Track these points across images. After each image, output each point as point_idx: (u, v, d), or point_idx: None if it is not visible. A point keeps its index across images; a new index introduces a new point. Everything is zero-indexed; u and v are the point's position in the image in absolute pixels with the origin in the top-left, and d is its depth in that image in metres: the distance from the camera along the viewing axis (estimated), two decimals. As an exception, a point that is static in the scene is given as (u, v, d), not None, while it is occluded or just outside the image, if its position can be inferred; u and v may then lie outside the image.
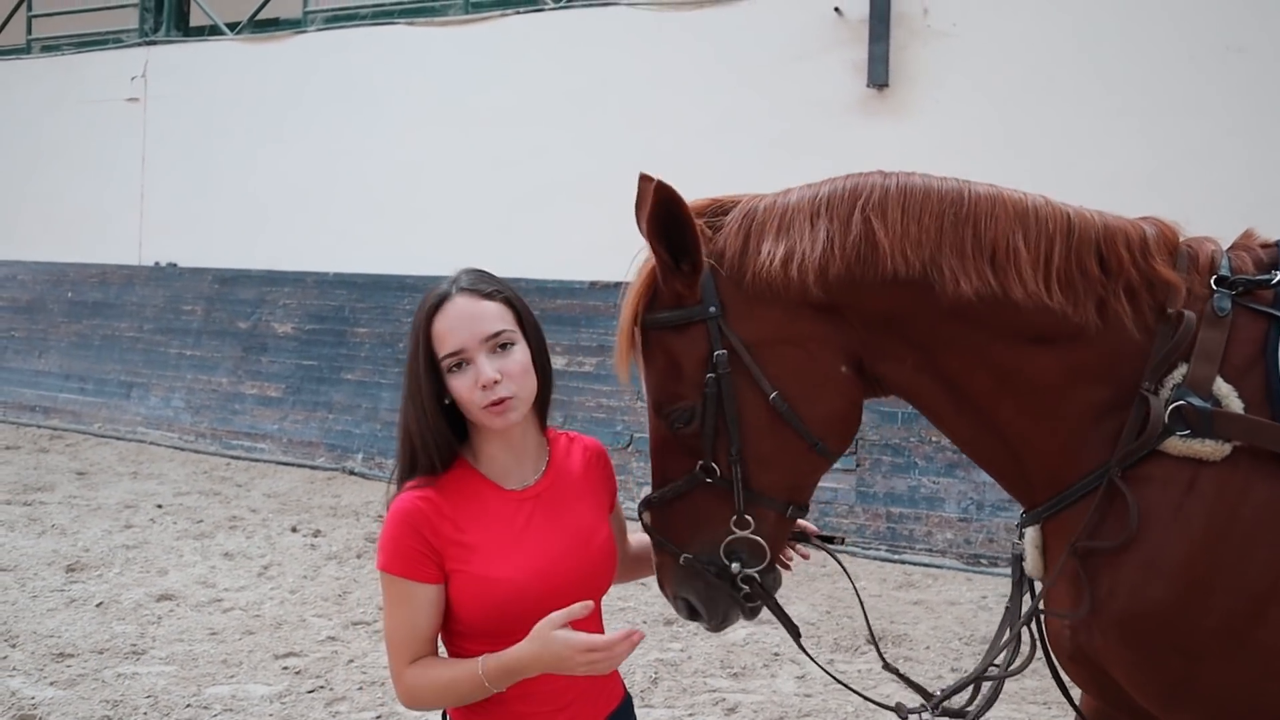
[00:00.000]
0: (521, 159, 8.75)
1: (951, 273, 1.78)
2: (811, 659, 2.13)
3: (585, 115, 8.59)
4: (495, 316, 1.78)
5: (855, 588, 2.35)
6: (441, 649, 1.86)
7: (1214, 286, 1.78)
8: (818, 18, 7.71)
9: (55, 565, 5.90)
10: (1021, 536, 1.93)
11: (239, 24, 10.69)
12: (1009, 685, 4.41)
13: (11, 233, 11.88)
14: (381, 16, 9.92)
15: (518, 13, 9.12)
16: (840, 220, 1.82)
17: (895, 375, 1.92)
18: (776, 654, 4.80)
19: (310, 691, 4.34)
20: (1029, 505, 1.93)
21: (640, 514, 1.97)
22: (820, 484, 6.80)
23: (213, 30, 11.00)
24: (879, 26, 7.37)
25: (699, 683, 4.51)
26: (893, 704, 2.03)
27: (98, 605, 5.29)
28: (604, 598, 1.95)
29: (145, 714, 4.10)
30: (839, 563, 2.23)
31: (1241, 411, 1.69)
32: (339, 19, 10.23)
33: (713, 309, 1.84)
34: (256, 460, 9.08)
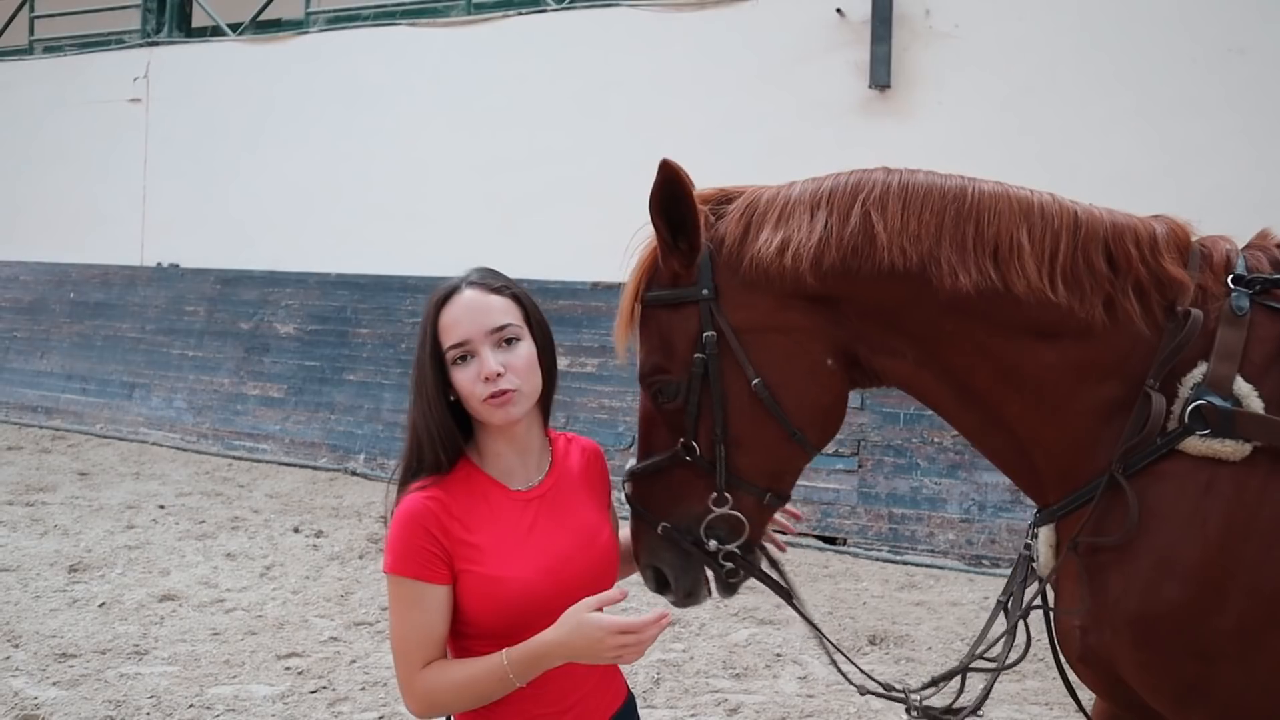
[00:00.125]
0: (523, 160, 8.76)
1: (949, 267, 1.79)
2: (805, 617, 2.10)
3: (587, 116, 8.59)
4: (502, 310, 1.80)
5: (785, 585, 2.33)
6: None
7: (1231, 285, 1.78)
8: (819, 19, 7.72)
9: (58, 566, 5.91)
10: (1035, 536, 1.93)
11: (241, 25, 10.71)
12: (1011, 686, 4.42)
13: (13, 233, 11.90)
14: (383, 17, 9.93)
15: (520, 14, 9.13)
16: (840, 213, 1.84)
17: (896, 369, 1.92)
18: (779, 655, 4.80)
19: (313, 692, 4.34)
20: (1042, 503, 1.93)
21: (624, 483, 2.01)
22: (822, 485, 6.79)
23: (215, 31, 11.01)
24: (881, 28, 7.38)
25: (701, 683, 4.51)
26: (889, 697, 2.04)
27: (100, 606, 5.29)
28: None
29: (148, 714, 4.10)
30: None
31: (1262, 411, 1.69)
32: (341, 20, 10.25)
33: (706, 291, 1.88)
34: (259, 461, 9.09)
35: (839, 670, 2.16)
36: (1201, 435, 1.70)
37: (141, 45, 11.20)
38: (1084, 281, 1.79)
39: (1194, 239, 1.87)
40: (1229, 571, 1.67)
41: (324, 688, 4.38)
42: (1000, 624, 2.03)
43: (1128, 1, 6.90)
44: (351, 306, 9.41)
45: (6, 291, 11.76)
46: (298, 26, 10.53)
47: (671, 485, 1.94)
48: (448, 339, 1.78)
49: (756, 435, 1.90)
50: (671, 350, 1.92)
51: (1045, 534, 1.89)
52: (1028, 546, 1.97)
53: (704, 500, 1.92)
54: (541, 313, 1.89)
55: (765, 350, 1.88)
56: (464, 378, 1.77)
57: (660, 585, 2.00)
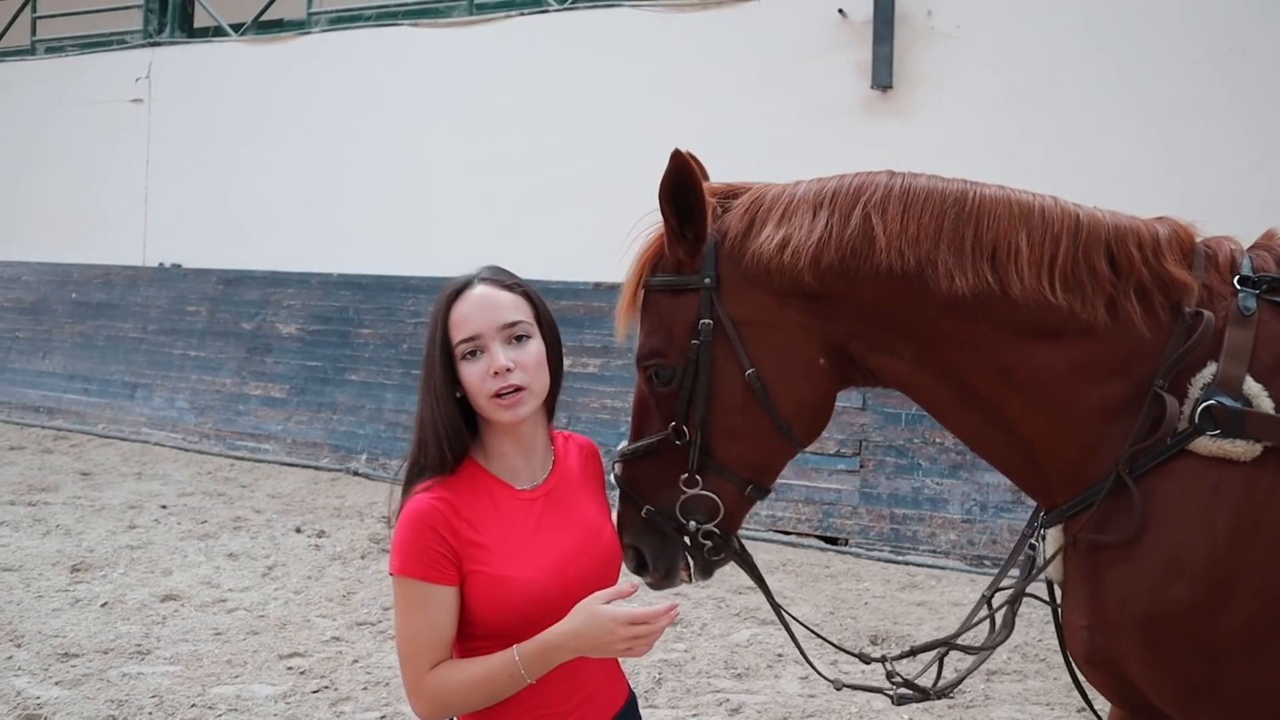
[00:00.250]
0: (525, 160, 8.77)
1: (946, 269, 1.81)
2: (774, 605, 2.14)
3: (589, 116, 8.60)
4: (513, 307, 1.81)
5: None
6: None
7: (1238, 286, 1.78)
8: (821, 19, 7.72)
9: (60, 565, 5.91)
10: (1042, 537, 1.94)
11: (243, 25, 10.72)
12: (1012, 686, 4.43)
13: (15, 233, 11.91)
14: (386, 18, 9.94)
15: (521, 14, 9.14)
16: (841, 214, 1.87)
17: (893, 368, 1.94)
18: (780, 655, 4.80)
19: (315, 691, 4.35)
20: (1047, 504, 1.94)
21: (613, 464, 2.05)
22: (824, 485, 6.80)
23: (217, 31, 11.02)
24: (883, 28, 7.38)
25: (703, 683, 4.51)
26: (883, 689, 2.07)
27: (102, 605, 5.30)
28: None
29: (150, 714, 4.10)
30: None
31: (1272, 411, 1.70)
32: (343, 20, 10.26)
33: (708, 280, 1.92)
34: (261, 461, 9.09)
35: (808, 661, 2.18)
36: (1212, 435, 1.71)
37: (143, 45, 11.21)
38: (1085, 283, 1.79)
39: (1198, 240, 1.87)
40: (1237, 571, 1.68)
41: (326, 687, 4.39)
42: (993, 613, 2.06)
43: (1130, 2, 6.89)
44: (353, 307, 9.42)
45: (9, 291, 11.77)
46: (300, 27, 10.54)
47: (659, 469, 1.99)
48: (458, 333, 1.78)
49: (746, 425, 1.94)
50: (670, 335, 1.96)
51: (1054, 535, 1.90)
52: (1031, 546, 1.98)
53: (684, 486, 1.97)
54: (550, 313, 1.90)
55: (761, 343, 1.92)
56: (473, 373, 1.77)
57: (639, 566, 2.05)
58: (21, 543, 6.36)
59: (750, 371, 1.91)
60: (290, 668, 4.59)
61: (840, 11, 7.62)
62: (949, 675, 2.07)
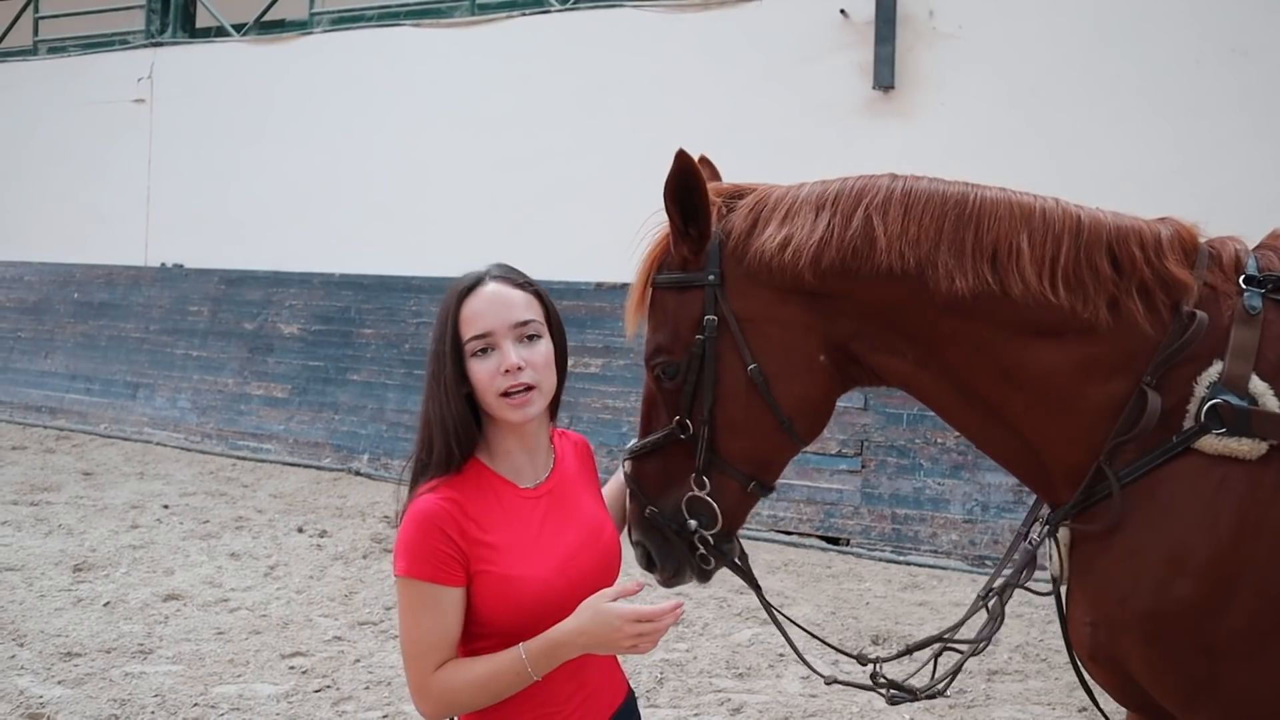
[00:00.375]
0: (527, 160, 8.77)
1: (946, 270, 1.83)
2: (767, 606, 2.15)
3: (591, 117, 8.60)
4: (524, 306, 1.82)
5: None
6: None
7: (1243, 285, 1.79)
8: (823, 20, 7.72)
9: (62, 565, 5.92)
10: (1050, 536, 1.94)
11: (245, 25, 10.73)
12: (1014, 686, 4.43)
13: (18, 233, 11.92)
14: (387, 18, 9.95)
15: (523, 14, 9.14)
16: (843, 215, 1.90)
17: (895, 368, 1.96)
18: (782, 655, 4.81)
19: (317, 691, 4.35)
20: (1052, 501, 1.95)
21: (622, 463, 2.08)
22: (826, 485, 6.80)
23: (219, 31, 11.03)
24: (885, 28, 7.38)
25: (704, 683, 4.52)
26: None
27: (105, 605, 5.30)
28: None
29: (152, 713, 4.11)
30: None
31: (1278, 409, 1.70)
32: (345, 20, 10.26)
33: (712, 277, 1.96)
34: (262, 461, 9.10)
35: (801, 658, 2.21)
36: (1218, 434, 1.71)
37: (145, 46, 11.22)
38: (1087, 283, 1.81)
39: (1202, 240, 1.88)
40: (1240, 570, 1.68)
41: (328, 687, 4.39)
42: (985, 605, 2.09)
43: (1133, 1, 6.89)
44: (355, 307, 9.42)
45: (11, 291, 11.78)
46: (302, 27, 10.55)
47: (663, 465, 2.02)
48: (470, 330, 1.77)
49: (748, 420, 1.96)
50: (676, 331, 1.99)
51: (1062, 533, 1.91)
52: (1030, 541, 1.99)
53: (690, 481, 2.00)
54: (558, 313, 1.91)
55: (763, 339, 1.95)
56: (483, 369, 1.77)
57: (648, 564, 2.09)
58: (24, 542, 6.37)
59: (753, 367, 1.93)
60: (292, 667, 4.60)
61: (842, 12, 7.62)
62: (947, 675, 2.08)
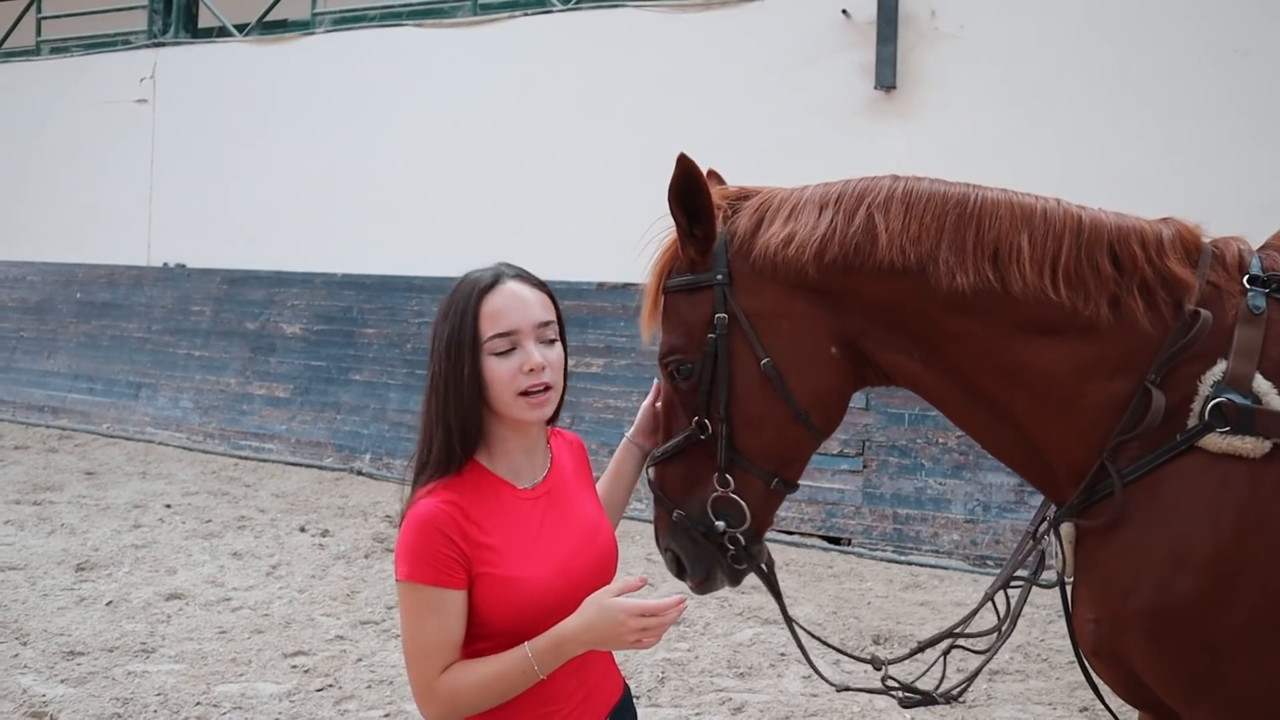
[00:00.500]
0: (529, 160, 8.78)
1: (947, 267, 1.85)
2: (788, 621, 2.17)
3: (593, 117, 8.61)
4: (544, 307, 1.82)
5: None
6: None
7: (1247, 285, 1.80)
8: (825, 20, 7.73)
9: (65, 564, 5.93)
10: (1055, 534, 1.96)
11: (247, 25, 10.74)
12: (1014, 685, 4.43)
13: (20, 233, 11.94)
14: (390, 18, 9.95)
15: (525, 14, 9.15)
16: (845, 213, 1.93)
17: (903, 366, 1.98)
18: (783, 654, 4.81)
19: (319, 690, 4.36)
20: (1057, 499, 1.96)
21: (646, 470, 2.11)
22: (827, 485, 6.79)
23: (221, 32, 11.04)
24: (886, 29, 7.38)
25: (706, 682, 4.52)
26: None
27: (107, 604, 5.32)
28: None
29: (155, 712, 4.12)
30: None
31: None
32: (347, 21, 10.27)
33: (720, 276, 1.99)
34: (264, 460, 9.11)
35: (814, 669, 2.23)
36: (1222, 433, 1.73)
37: (148, 46, 11.23)
38: (1088, 282, 1.83)
39: (1206, 240, 1.90)
40: (1241, 566, 1.70)
41: (330, 686, 4.40)
42: (987, 612, 2.11)
43: (1133, 2, 6.90)
44: (357, 307, 9.43)
45: (13, 291, 11.80)
46: (304, 27, 10.56)
47: (687, 468, 2.04)
48: (493, 327, 1.75)
49: (765, 414, 1.99)
50: (688, 332, 2.02)
51: (1067, 530, 1.92)
52: (1037, 538, 2.00)
53: (713, 481, 2.02)
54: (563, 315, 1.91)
55: (774, 334, 1.98)
56: (504, 368, 1.75)
57: (679, 570, 2.10)
58: (27, 542, 6.38)
59: (765, 361, 1.96)
60: (294, 666, 4.61)
61: (844, 12, 7.63)
62: (953, 675, 2.09)
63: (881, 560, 6.55)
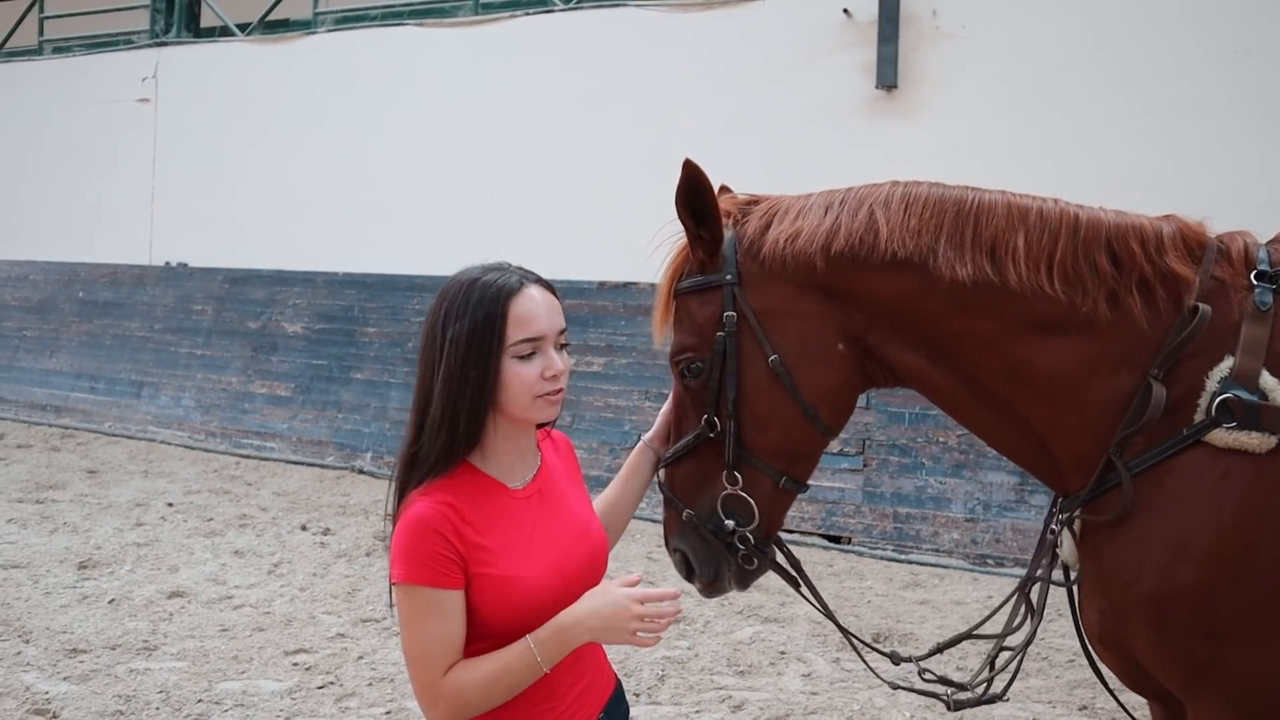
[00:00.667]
0: (530, 160, 8.79)
1: (947, 259, 1.90)
2: (816, 605, 2.22)
3: (594, 116, 8.62)
4: (561, 314, 1.85)
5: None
6: None
7: (1254, 281, 1.82)
8: (826, 19, 7.74)
9: (67, 562, 5.95)
10: (1063, 528, 1.98)
11: (249, 25, 10.75)
12: (1014, 685, 4.43)
13: (23, 232, 11.96)
14: (391, 18, 9.97)
15: (526, 14, 9.16)
16: (849, 211, 2.00)
17: (910, 363, 2.01)
18: (783, 652, 4.82)
19: (320, 687, 4.37)
20: (1063, 492, 1.99)
21: (657, 471, 2.14)
22: (828, 484, 6.79)
23: (223, 31, 11.06)
24: (888, 28, 7.39)
25: (706, 680, 4.53)
26: (890, 686, 2.17)
27: (110, 602, 5.33)
28: None
29: (157, 709, 4.13)
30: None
31: None
32: (349, 20, 10.29)
33: (730, 276, 2.04)
34: (266, 459, 9.13)
35: (863, 660, 2.26)
36: (1228, 428, 1.75)
37: (150, 45, 11.25)
38: (1086, 279, 1.85)
39: (1210, 236, 1.91)
40: (1243, 554, 1.72)
41: (331, 683, 4.41)
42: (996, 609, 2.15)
43: (1135, 3, 6.90)
44: (359, 306, 9.45)
45: (16, 291, 11.82)
46: (306, 27, 10.57)
47: (696, 467, 2.07)
48: (520, 332, 1.76)
49: (773, 410, 2.02)
50: (698, 331, 2.06)
51: (1075, 522, 1.95)
52: (1052, 531, 2.03)
53: (722, 480, 2.05)
54: None
55: (782, 331, 2.01)
56: (527, 371, 1.77)
57: (688, 571, 2.13)
58: (29, 540, 6.40)
59: (773, 358, 2.00)
60: (296, 664, 4.62)
61: (845, 11, 7.64)
62: (954, 674, 2.13)
63: (882, 559, 6.56)
